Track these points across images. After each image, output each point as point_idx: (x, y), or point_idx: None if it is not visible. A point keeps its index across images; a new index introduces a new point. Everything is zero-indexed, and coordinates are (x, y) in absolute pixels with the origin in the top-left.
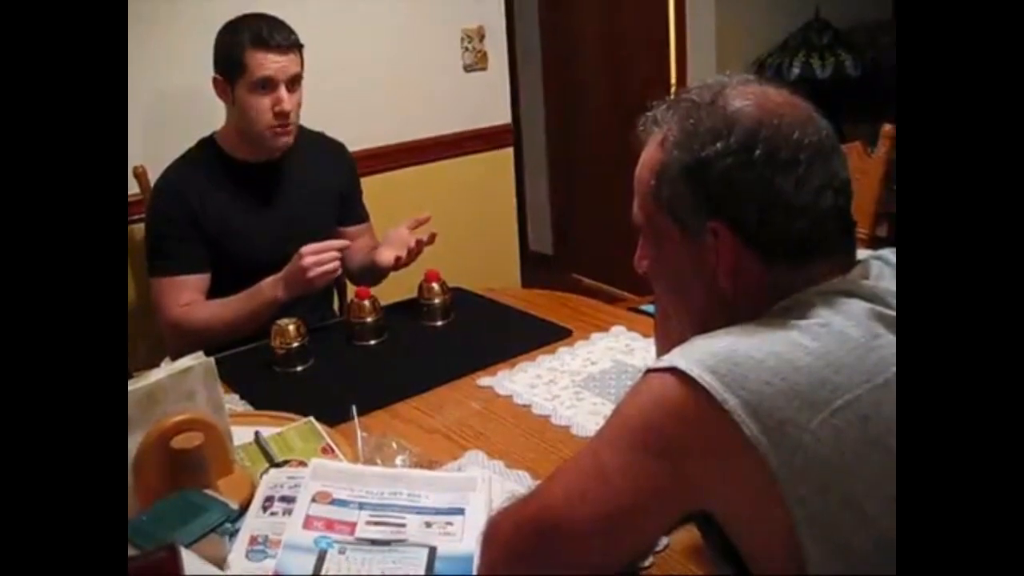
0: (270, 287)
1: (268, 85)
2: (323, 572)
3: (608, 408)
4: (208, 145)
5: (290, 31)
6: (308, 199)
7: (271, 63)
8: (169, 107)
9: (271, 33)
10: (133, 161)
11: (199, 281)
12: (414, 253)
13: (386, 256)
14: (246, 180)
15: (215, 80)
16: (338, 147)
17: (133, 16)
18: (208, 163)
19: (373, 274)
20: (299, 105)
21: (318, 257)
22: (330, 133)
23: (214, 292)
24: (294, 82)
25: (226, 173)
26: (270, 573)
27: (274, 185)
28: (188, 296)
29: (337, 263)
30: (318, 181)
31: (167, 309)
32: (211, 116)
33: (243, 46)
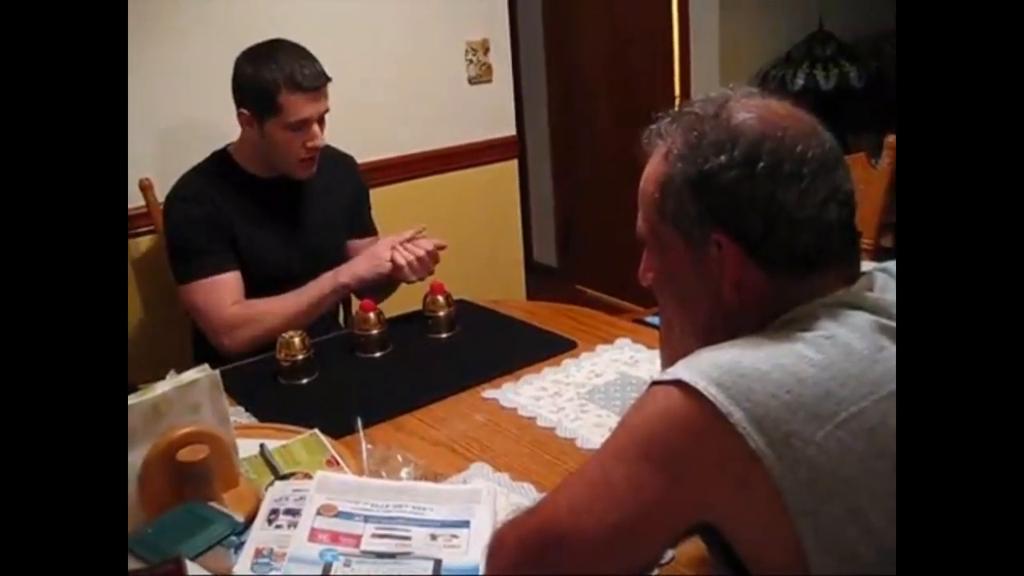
0: (331, 278)
1: (304, 125)
2: None
3: (613, 420)
4: (221, 158)
5: (318, 65)
6: (321, 213)
7: (308, 107)
8: (175, 122)
9: (304, 74)
10: (139, 175)
11: (235, 279)
12: (428, 264)
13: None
14: (259, 194)
15: (240, 114)
16: (348, 160)
17: (140, 31)
18: (221, 176)
19: (380, 286)
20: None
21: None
22: (335, 146)
23: None
24: (323, 116)
25: (239, 186)
26: None
27: (286, 199)
28: (232, 294)
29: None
30: (329, 194)
31: (215, 310)
32: (218, 131)
33: (277, 87)
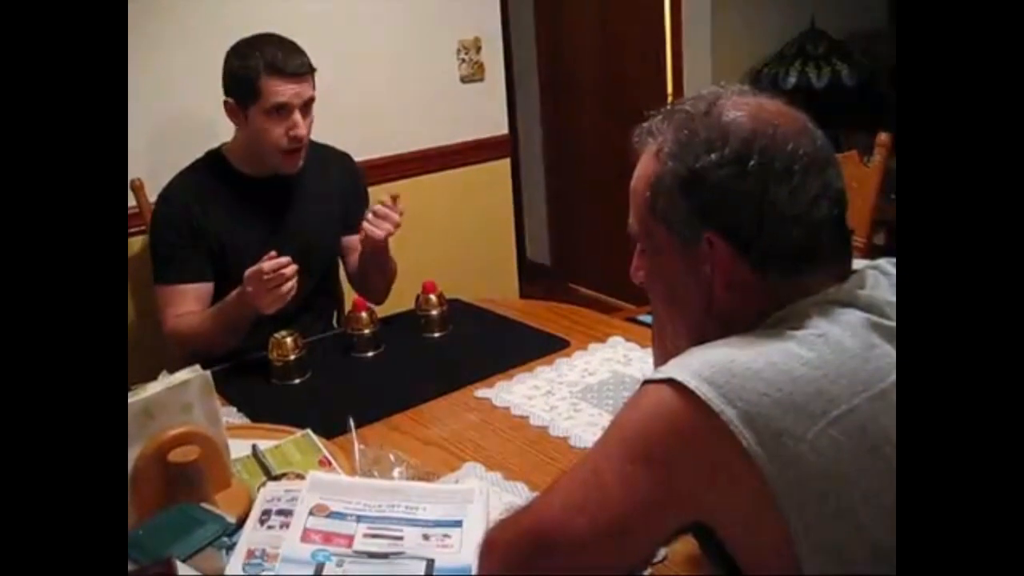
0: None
1: (283, 110)
2: None
3: (606, 419)
4: (215, 158)
5: (303, 56)
6: (313, 213)
7: (286, 90)
8: (167, 122)
9: (285, 60)
10: (131, 175)
11: (200, 290)
12: (386, 214)
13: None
14: (252, 194)
15: (226, 103)
16: (344, 158)
17: (134, 31)
18: (214, 176)
19: (379, 278)
20: (311, 125)
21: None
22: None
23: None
24: (307, 106)
25: (232, 187)
26: None
27: (280, 199)
28: (188, 306)
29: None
30: (324, 194)
31: (166, 318)
32: (210, 131)
33: (258, 72)
